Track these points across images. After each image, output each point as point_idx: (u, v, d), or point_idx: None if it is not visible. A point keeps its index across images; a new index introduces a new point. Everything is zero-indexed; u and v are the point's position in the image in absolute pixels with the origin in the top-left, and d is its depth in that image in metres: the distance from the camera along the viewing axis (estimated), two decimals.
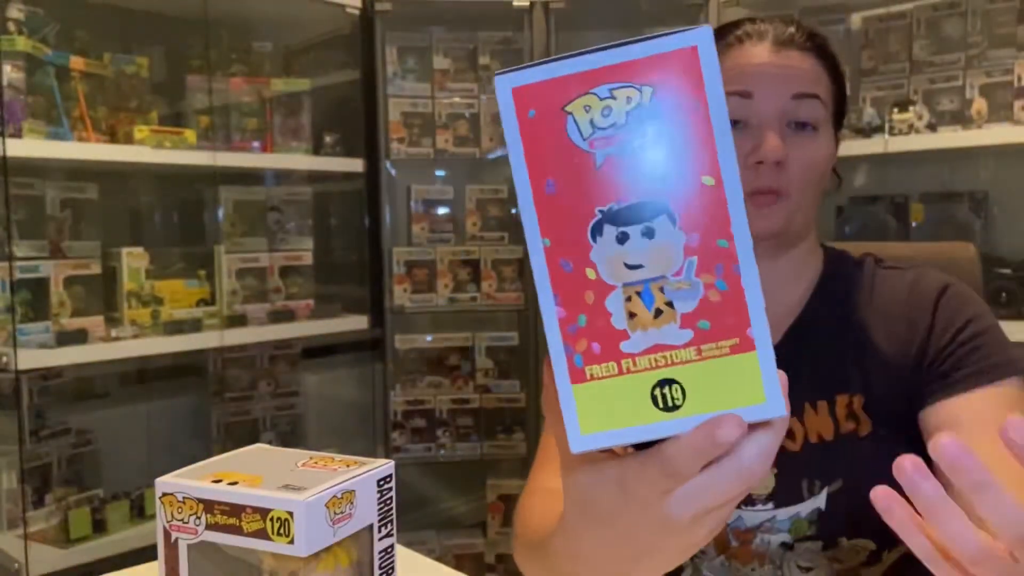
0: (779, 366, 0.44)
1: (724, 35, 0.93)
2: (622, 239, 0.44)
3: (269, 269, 2.28)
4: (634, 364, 0.44)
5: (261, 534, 0.58)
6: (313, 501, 0.58)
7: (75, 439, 2.00)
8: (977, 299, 0.94)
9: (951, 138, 2.01)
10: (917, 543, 0.49)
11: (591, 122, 0.43)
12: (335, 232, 2.73)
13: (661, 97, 0.43)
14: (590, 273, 0.44)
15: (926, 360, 0.89)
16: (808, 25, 0.94)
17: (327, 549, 0.60)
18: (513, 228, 2.53)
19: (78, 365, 1.91)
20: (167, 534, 0.62)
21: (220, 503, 0.60)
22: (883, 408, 0.90)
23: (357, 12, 2.39)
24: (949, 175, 2.19)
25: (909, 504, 0.49)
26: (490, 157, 2.52)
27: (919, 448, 0.89)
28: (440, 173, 2.67)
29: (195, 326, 2.07)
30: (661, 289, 0.44)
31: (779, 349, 0.46)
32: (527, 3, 2.38)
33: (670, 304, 0.44)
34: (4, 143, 1.70)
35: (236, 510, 0.59)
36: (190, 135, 2.02)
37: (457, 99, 2.49)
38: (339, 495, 0.60)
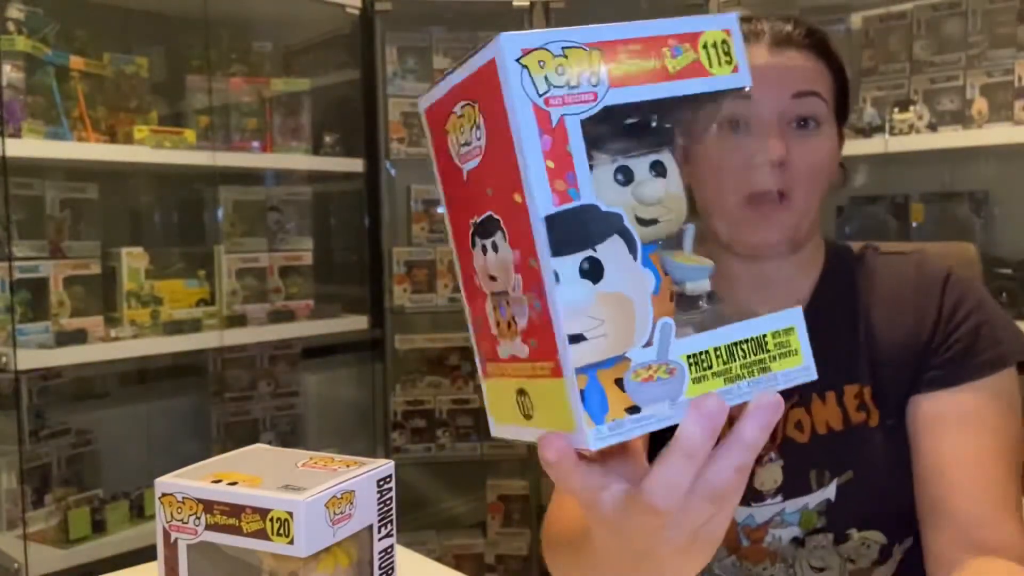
0: None
1: None
2: (484, 251, 0.45)
3: (269, 269, 2.27)
4: (505, 370, 0.46)
5: (261, 534, 0.58)
6: (313, 501, 0.57)
7: (75, 439, 2.00)
8: (979, 286, 0.94)
9: (951, 138, 2.01)
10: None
11: (457, 140, 0.45)
12: (335, 232, 2.72)
13: (485, 114, 0.42)
14: (476, 280, 0.46)
15: (932, 347, 0.90)
16: (807, 22, 0.94)
17: (327, 549, 0.60)
18: None
19: (78, 365, 1.91)
20: (167, 534, 0.62)
21: (220, 503, 0.59)
22: (892, 398, 0.91)
23: (357, 12, 2.38)
24: (949, 175, 2.19)
25: None
26: None
27: None
28: None
29: (195, 326, 2.07)
30: (508, 303, 0.44)
31: None
32: (527, 3, 2.38)
33: (514, 319, 0.44)
34: (4, 143, 1.70)
35: (236, 510, 0.59)
36: (190, 135, 2.02)
37: None
38: (339, 495, 0.60)
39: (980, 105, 2.00)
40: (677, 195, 0.46)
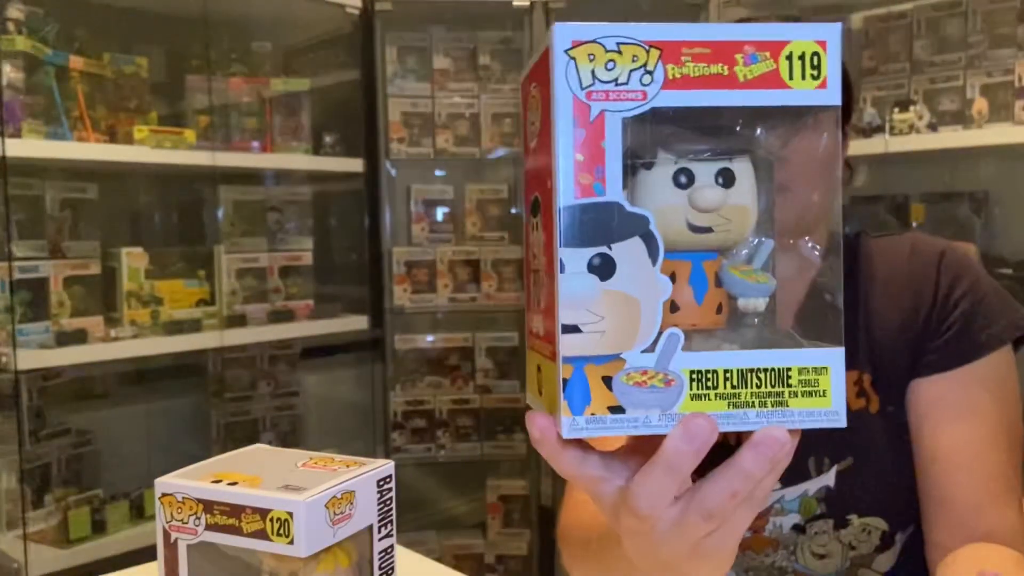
0: None
1: None
2: (533, 228, 0.47)
3: (269, 269, 2.27)
4: (534, 344, 0.47)
5: (261, 534, 0.58)
6: (313, 501, 0.57)
7: (75, 439, 2.00)
8: (972, 262, 0.94)
9: (952, 138, 2.01)
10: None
11: (530, 118, 0.47)
12: (335, 232, 2.72)
13: (543, 98, 0.43)
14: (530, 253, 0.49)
15: (928, 330, 0.90)
16: (804, 20, 0.94)
17: (327, 549, 0.60)
18: (513, 228, 2.53)
19: (78, 365, 1.91)
20: (167, 534, 0.62)
21: (220, 503, 0.59)
22: (891, 384, 0.91)
23: (357, 12, 2.38)
24: (950, 175, 2.19)
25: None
26: (490, 157, 2.52)
27: None
28: (440, 173, 2.66)
29: (195, 326, 2.07)
30: (538, 282, 0.46)
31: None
32: (527, 3, 2.38)
33: (539, 298, 0.45)
34: (4, 143, 1.70)
35: (236, 510, 0.59)
36: (190, 135, 2.02)
37: (457, 99, 2.49)
38: (339, 495, 0.60)
39: (980, 105, 2.00)
40: (741, 207, 0.44)
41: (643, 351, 0.41)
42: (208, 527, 0.60)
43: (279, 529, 0.57)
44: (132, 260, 1.99)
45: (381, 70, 2.44)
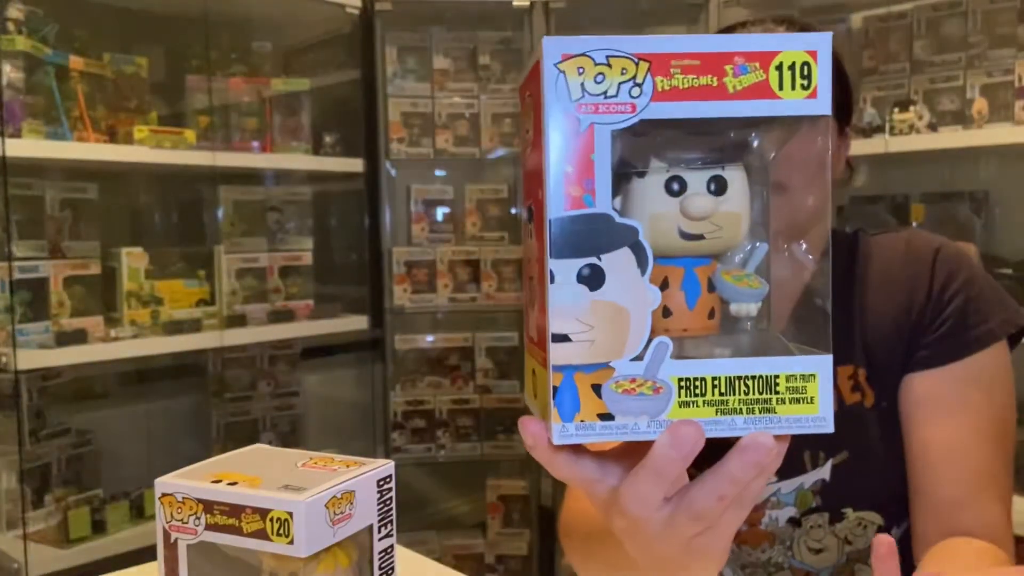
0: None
1: None
2: (530, 235, 0.47)
3: (269, 269, 2.27)
4: (530, 348, 0.48)
5: (261, 534, 0.58)
6: (313, 501, 0.57)
7: (75, 439, 2.00)
8: (967, 258, 0.95)
9: (952, 138, 2.01)
10: None
11: (524, 125, 0.47)
12: (335, 232, 2.72)
13: (535, 109, 0.43)
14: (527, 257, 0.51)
15: (922, 325, 0.90)
16: (802, 22, 0.94)
17: (327, 549, 0.60)
18: (513, 228, 2.53)
19: (78, 365, 1.91)
20: (167, 534, 0.62)
21: (220, 503, 0.59)
22: (886, 378, 0.92)
23: (357, 12, 2.38)
24: (950, 175, 2.19)
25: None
26: (490, 157, 2.52)
27: None
28: (440, 173, 2.67)
29: (195, 326, 2.07)
30: (533, 288, 0.47)
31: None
32: (527, 3, 2.38)
33: (533, 304, 0.46)
34: (4, 143, 1.70)
35: (236, 510, 0.59)
36: (190, 135, 2.02)
37: (457, 99, 2.49)
38: (339, 495, 0.60)
39: (980, 105, 2.00)
40: (733, 214, 0.45)
41: (632, 359, 0.41)
42: (208, 527, 0.60)
43: (279, 529, 0.57)
44: (132, 260, 1.99)
45: (381, 70, 2.44)
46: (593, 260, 0.41)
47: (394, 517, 0.65)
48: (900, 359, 0.91)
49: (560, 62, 0.41)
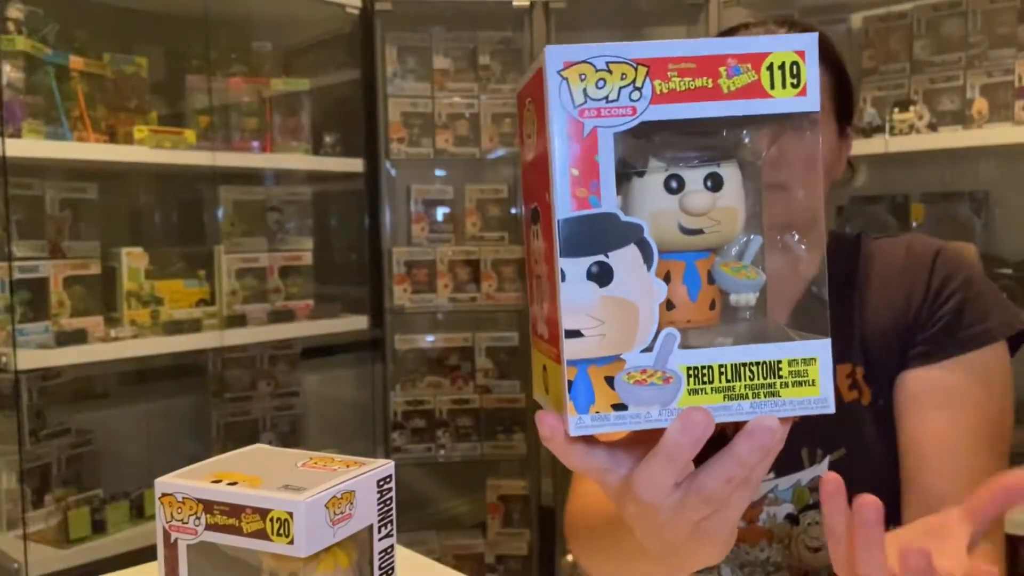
0: None
1: None
2: (535, 236, 0.49)
3: (269, 269, 2.27)
4: (539, 345, 0.49)
5: (261, 534, 0.58)
6: (313, 501, 0.57)
7: (75, 439, 2.00)
8: (968, 261, 0.96)
9: (952, 138, 2.01)
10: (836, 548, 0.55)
11: (525, 131, 0.49)
12: (335, 232, 2.72)
13: (538, 115, 0.45)
14: (531, 258, 0.51)
15: (919, 323, 0.91)
16: (803, 23, 0.95)
17: (327, 549, 0.60)
18: (513, 228, 2.53)
19: (78, 365, 1.91)
20: (167, 534, 0.62)
21: (220, 503, 0.59)
22: (883, 377, 0.92)
23: (357, 12, 2.38)
24: (950, 175, 2.19)
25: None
26: (490, 157, 2.52)
27: None
28: (440, 173, 2.67)
29: (195, 326, 2.07)
30: (541, 287, 0.48)
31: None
32: (527, 3, 2.38)
33: (542, 302, 0.48)
34: (4, 143, 1.70)
35: (236, 510, 0.59)
36: (190, 135, 2.02)
37: (457, 99, 2.49)
38: (339, 495, 0.60)
39: (980, 105, 2.00)
40: (730, 209, 0.47)
41: (642, 351, 0.43)
42: (208, 527, 0.60)
43: (279, 529, 0.57)
44: (132, 260, 1.99)
45: (381, 70, 2.44)
46: (601, 258, 0.43)
47: (394, 517, 0.65)
48: (897, 357, 0.91)
49: (563, 69, 0.43)
